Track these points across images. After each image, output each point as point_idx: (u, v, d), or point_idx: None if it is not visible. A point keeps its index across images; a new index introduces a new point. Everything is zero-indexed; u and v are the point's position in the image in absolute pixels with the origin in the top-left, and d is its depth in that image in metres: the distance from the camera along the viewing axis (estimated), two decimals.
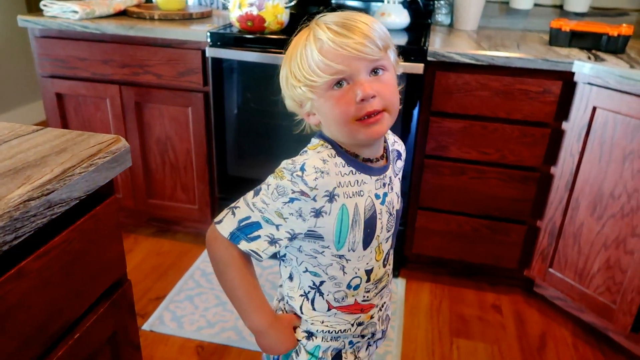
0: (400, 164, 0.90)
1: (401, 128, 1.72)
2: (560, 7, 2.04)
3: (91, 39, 1.89)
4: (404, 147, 0.94)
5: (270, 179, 0.77)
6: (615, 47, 1.63)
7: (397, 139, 0.92)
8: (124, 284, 0.80)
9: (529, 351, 1.68)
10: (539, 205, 1.76)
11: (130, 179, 2.09)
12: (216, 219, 0.80)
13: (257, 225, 0.76)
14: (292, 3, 1.78)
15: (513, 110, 1.64)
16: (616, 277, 1.57)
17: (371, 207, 0.79)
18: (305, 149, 0.81)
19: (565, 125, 1.62)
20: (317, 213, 0.75)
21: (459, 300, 1.92)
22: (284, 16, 1.77)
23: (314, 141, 0.81)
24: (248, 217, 0.77)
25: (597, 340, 1.73)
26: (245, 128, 1.90)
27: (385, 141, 0.86)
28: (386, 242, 0.85)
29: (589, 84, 1.52)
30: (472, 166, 1.75)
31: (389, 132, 0.90)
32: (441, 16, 2.10)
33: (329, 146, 0.79)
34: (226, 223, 0.78)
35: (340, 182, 0.76)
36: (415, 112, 1.70)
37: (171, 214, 2.15)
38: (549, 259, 1.76)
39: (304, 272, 0.84)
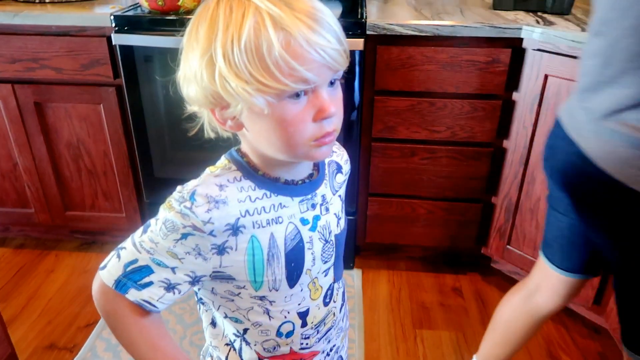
0: (340, 178, 0.73)
1: (344, 111, 1.55)
2: None
3: None
4: (346, 157, 0.76)
5: (160, 211, 0.61)
6: (561, 8, 1.53)
7: (337, 147, 0.75)
8: None
9: None
10: (493, 182, 1.67)
11: (42, 191, 1.82)
12: (101, 264, 0.63)
13: (147, 270, 0.60)
14: None
15: (461, 83, 1.51)
16: None
17: (295, 235, 0.64)
18: (207, 169, 0.64)
19: (516, 96, 1.52)
20: (220, 250, 0.60)
21: (418, 286, 1.83)
22: None
23: (220, 160, 0.65)
24: (135, 260, 0.60)
25: (558, 313, 1.69)
26: (168, 122, 1.67)
27: None
28: (324, 275, 0.70)
29: (539, 50, 1.42)
30: (423, 146, 1.63)
31: None
32: None
33: (234, 167, 0.62)
34: (111, 268, 0.62)
35: (246, 211, 0.60)
36: (357, 92, 1.54)
37: (95, 225, 1.91)
38: (506, 235, 1.69)
39: (224, 317, 0.69)
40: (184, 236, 0.58)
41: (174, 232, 0.58)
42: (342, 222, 0.73)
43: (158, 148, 1.71)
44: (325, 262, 0.69)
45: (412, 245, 1.86)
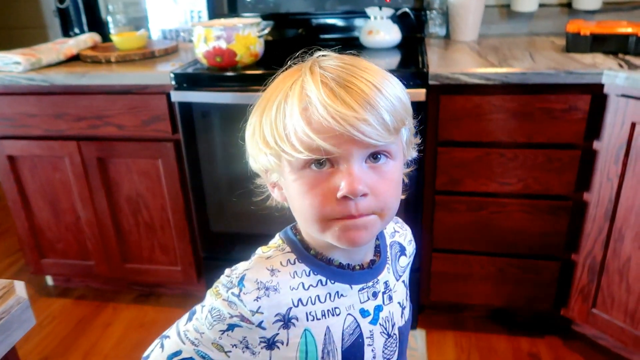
0: (404, 261, 0.66)
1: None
2: (568, 5, 1.81)
3: (39, 92, 1.64)
4: (410, 236, 0.69)
5: (206, 296, 0.56)
6: None
7: (399, 226, 0.68)
8: None
9: None
10: (573, 238, 1.51)
11: (102, 244, 1.84)
12: (145, 353, 0.60)
13: None
14: (266, 31, 1.54)
15: (535, 133, 1.40)
16: None
17: (354, 329, 0.57)
18: (259, 248, 0.59)
19: (597, 145, 1.38)
20: (270, 344, 0.54)
21: (489, 351, 1.66)
22: (258, 47, 1.53)
23: (274, 239, 0.60)
24: (179, 352, 0.57)
25: None
26: (224, 176, 1.65)
27: (379, 237, 0.62)
28: None
29: (624, 95, 1.28)
30: (492, 199, 1.51)
31: None
32: (435, 27, 1.87)
33: (288, 249, 0.57)
34: (153, 359, 0.59)
35: (299, 300, 0.54)
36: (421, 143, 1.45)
37: (152, 278, 1.89)
38: (590, 298, 1.51)
39: None
40: (231, 327, 0.54)
41: (220, 322, 0.54)
42: (407, 312, 0.64)
43: (214, 202, 1.69)
44: (388, 359, 0.60)
45: (481, 304, 1.71)
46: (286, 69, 0.54)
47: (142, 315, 1.90)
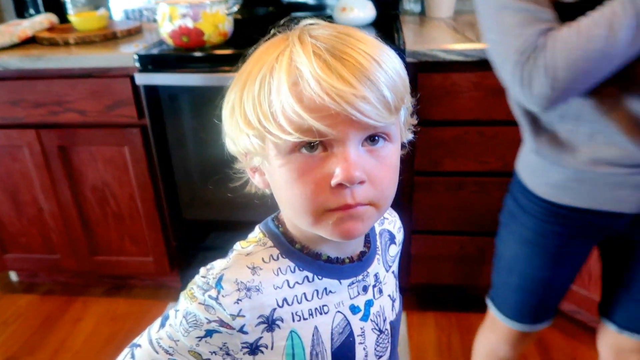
0: (394, 250, 0.61)
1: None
2: None
3: None
4: (399, 224, 0.64)
5: (180, 299, 0.51)
6: None
7: (388, 212, 0.63)
8: None
9: None
10: None
11: (68, 236, 1.75)
12: None
13: None
14: (235, 8, 1.47)
15: None
16: None
17: (343, 327, 0.53)
18: (237, 243, 0.53)
19: None
20: (253, 349, 0.50)
21: (470, 330, 1.66)
22: (227, 25, 1.45)
23: (254, 232, 0.54)
24: None
25: None
26: (196, 162, 1.58)
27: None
28: None
29: None
30: (471, 179, 1.49)
31: None
32: (410, 4, 1.82)
33: (270, 243, 0.51)
34: None
35: (284, 299, 0.50)
36: None
37: (122, 270, 1.82)
38: None
39: None
40: (209, 333, 0.48)
41: (196, 329, 0.49)
42: (397, 305, 0.61)
43: (186, 189, 1.62)
44: (380, 357, 0.57)
45: (461, 284, 1.70)
46: (270, 38, 0.48)
47: (114, 308, 1.83)
